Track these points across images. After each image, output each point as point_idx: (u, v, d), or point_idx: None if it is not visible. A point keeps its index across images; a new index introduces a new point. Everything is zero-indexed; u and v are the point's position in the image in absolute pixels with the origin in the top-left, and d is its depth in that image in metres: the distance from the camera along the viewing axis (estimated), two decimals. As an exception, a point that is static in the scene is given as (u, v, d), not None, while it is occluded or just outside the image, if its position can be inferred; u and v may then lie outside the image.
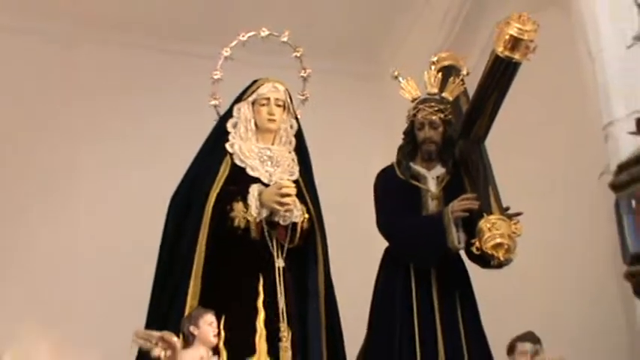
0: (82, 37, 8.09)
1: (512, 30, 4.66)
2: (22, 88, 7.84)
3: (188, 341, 4.15)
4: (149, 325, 4.59)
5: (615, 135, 5.12)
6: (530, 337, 4.50)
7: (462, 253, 5.07)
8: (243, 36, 5.09)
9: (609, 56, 5.22)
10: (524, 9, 6.89)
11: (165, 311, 4.62)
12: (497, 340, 4.96)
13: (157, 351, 3.98)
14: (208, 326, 4.17)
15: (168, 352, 3.99)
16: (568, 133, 6.45)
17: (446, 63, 5.43)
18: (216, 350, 4.23)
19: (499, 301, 5.40)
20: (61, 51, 8.02)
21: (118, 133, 8.04)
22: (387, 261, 5.15)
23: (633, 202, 3.95)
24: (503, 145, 5.27)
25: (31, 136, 7.83)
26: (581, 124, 6.04)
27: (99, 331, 7.12)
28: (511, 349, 4.52)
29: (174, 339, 4.01)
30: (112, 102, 8.11)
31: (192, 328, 4.16)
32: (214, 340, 4.16)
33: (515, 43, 4.67)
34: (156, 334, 4.03)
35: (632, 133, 4.20)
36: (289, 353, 4.55)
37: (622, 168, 4.00)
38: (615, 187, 4.02)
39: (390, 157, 6.88)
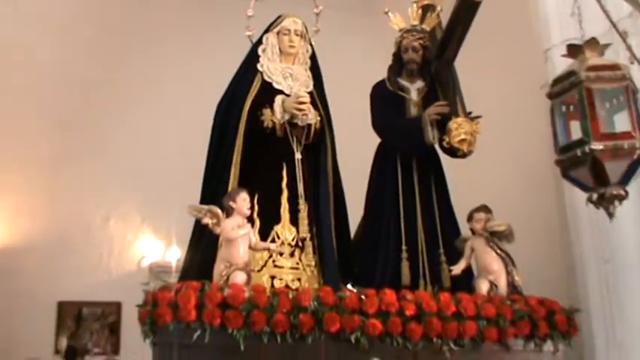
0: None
1: None
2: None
3: (228, 213, 4.26)
4: (203, 198, 4.81)
5: (552, 57, 5.38)
6: (484, 208, 4.66)
7: (437, 147, 5.20)
8: (266, -22, 5.11)
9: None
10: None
11: (214, 189, 4.76)
12: (460, 212, 5.15)
13: (206, 219, 4.23)
14: (243, 201, 4.30)
15: (214, 220, 4.22)
16: (516, 56, 6.51)
17: (425, 2, 5.44)
18: (250, 219, 4.39)
19: (462, 183, 5.48)
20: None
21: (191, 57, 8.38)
22: (379, 153, 5.33)
23: (563, 108, 4.23)
24: (466, 66, 5.33)
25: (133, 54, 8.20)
26: (525, 49, 6.17)
27: (183, 203, 7.51)
28: (470, 218, 4.69)
29: (218, 210, 4.24)
30: (182, 36, 8.32)
31: (231, 203, 4.29)
32: (247, 212, 4.32)
33: None
34: (205, 207, 4.27)
35: (564, 55, 4.34)
36: (306, 221, 4.75)
37: (556, 82, 4.27)
38: (551, 95, 4.29)
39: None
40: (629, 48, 4.70)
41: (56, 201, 7.88)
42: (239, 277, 4.08)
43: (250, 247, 4.30)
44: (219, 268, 4.20)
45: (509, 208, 4.96)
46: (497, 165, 5.69)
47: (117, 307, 7.91)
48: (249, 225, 4.30)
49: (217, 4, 8.38)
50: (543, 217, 5.72)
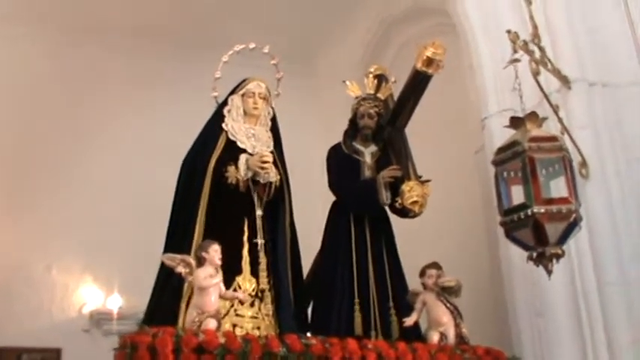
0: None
1: (429, 52, 5.21)
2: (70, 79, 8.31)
3: (200, 263, 4.47)
4: (168, 249, 4.98)
5: (489, 126, 5.77)
6: (435, 265, 5.01)
7: (387, 208, 5.57)
8: (237, 47, 5.51)
9: (486, 70, 5.84)
10: (420, 35, 7.56)
11: (180, 241, 4.97)
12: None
13: (180, 268, 4.46)
14: (214, 252, 4.50)
15: (187, 270, 4.45)
16: (453, 123, 7.04)
17: (378, 72, 5.86)
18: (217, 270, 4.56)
19: (408, 241, 5.84)
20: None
21: (147, 115, 8.71)
22: (334, 211, 5.66)
23: (505, 174, 4.61)
24: (409, 130, 5.71)
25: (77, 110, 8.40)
26: (462, 117, 6.69)
27: (125, 251, 7.71)
28: (422, 274, 5.02)
29: (191, 260, 4.47)
30: (140, 93, 8.64)
31: (203, 253, 4.49)
32: (219, 262, 4.52)
33: (430, 61, 5.23)
34: (178, 256, 4.50)
35: (506, 126, 4.73)
36: (265, 273, 5.01)
37: (501, 150, 4.65)
38: (495, 163, 4.68)
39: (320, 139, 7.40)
40: (560, 120, 5.18)
41: (-1, 248, 7.95)
42: (211, 324, 4.32)
43: (220, 296, 4.53)
44: (191, 315, 4.43)
45: (447, 263, 5.26)
46: (435, 223, 6.05)
47: (57, 353, 7.90)
48: (220, 274, 4.53)
49: (172, 63, 8.74)
50: (478, 273, 6.09)
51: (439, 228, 6.66)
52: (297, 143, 5.90)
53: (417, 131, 5.79)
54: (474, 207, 6.42)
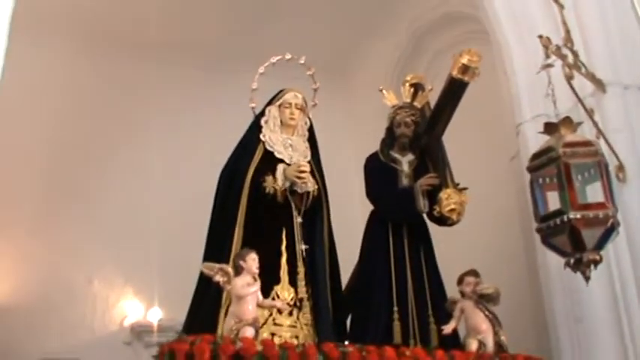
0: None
1: (464, 59, 5.22)
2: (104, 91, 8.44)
3: (238, 271, 4.54)
4: (207, 258, 5.05)
5: (523, 132, 5.77)
6: (473, 272, 5.03)
7: (425, 216, 5.61)
8: (273, 59, 5.59)
9: (520, 76, 5.83)
10: (453, 43, 7.57)
11: (219, 251, 5.07)
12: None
13: (218, 277, 4.51)
14: (252, 261, 4.57)
15: (225, 278, 4.51)
16: (488, 130, 7.08)
17: (414, 81, 5.90)
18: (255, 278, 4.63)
19: (445, 249, 5.84)
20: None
21: (185, 126, 8.83)
22: (372, 221, 5.68)
23: (540, 180, 4.64)
24: (445, 139, 5.76)
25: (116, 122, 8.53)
26: (496, 123, 6.70)
27: (165, 263, 7.77)
28: (460, 281, 5.03)
29: (229, 269, 4.53)
30: (178, 105, 8.78)
31: (241, 262, 4.56)
32: (256, 271, 4.57)
33: (466, 69, 5.24)
34: (217, 265, 4.56)
35: (541, 132, 4.76)
36: (303, 283, 5.07)
37: (535, 156, 4.67)
38: (530, 169, 4.70)
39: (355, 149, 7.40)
40: (595, 124, 5.19)
41: (40, 261, 8.03)
42: (249, 332, 4.38)
43: (258, 305, 4.60)
44: (229, 323, 4.50)
45: (484, 271, 5.27)
46: (472, 231, 6.07)
47: (99, 366, 8.04)
48: (258, 283, 4.59)
49: (208, 75, 8.88)
50: (515, 280, 6.10)
51: (476, 236, 6.65)
52: (331, 154, 5.96)
53: (452, 139, 5.84)
54: (510, 214, 6.44)
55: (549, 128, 4.71)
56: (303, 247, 5.18)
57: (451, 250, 5.96)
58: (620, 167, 5.19)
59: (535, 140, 5.47)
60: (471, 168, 5.97)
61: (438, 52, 8.05)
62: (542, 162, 4.62)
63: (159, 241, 7.94)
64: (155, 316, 8.21)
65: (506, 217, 6.55)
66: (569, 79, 5.00)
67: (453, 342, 5.06)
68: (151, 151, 8.60)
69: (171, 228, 8.14)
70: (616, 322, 5.10)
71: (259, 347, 4.24)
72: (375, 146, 5.92)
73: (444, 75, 5.86)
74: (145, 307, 8.41)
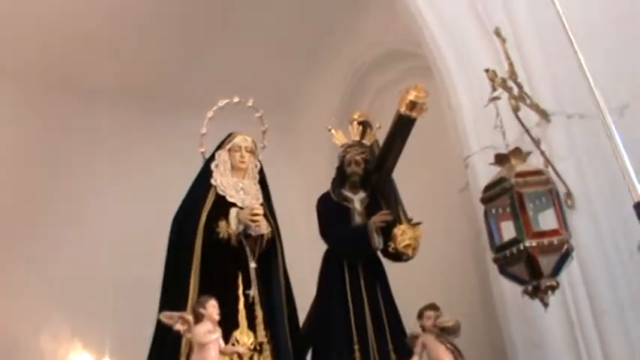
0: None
1: (411, 96, 5.31)
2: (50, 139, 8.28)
3: (198, 319, 4.52)
4: (162, 308, 4.99)
5: (472, 164, 5.76)
6: (433, 306, 5.04)
7: (379, 253, 5.62)
8: (221, 103, 5.58)
9: (465, 109, 5.82)
10: (396, 79, 7.64)
11: (175, 298, 5.00)
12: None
13: (178, 326, 4.50)
14: (213, 308, 4.57)
15: (185, 327, 4.50)
16: (435, 164, 7.06)
17: (362, 119, 5.94)
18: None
19: (398, 284, 5.82)
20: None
21: (134, 173, 8.64)
22: (327, 260, 5.69)
23: (494, 210, 4.66)
24: (397, 175, 5.84)
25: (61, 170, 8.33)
26: (443, 157, 6.67)
27: (115, 314, 7.62)
28: (420, 316, 5.04)
29: (189, 317, 4.51)
30: (126, 151, 8.64)
31: (201, 310, 4.54)
32: (217, 318, 4.57)
33: (413, 105, 5.33)
34: (177, 314, 4.54)
35: (492, 164, 4.77)
36: (262, 327, 5.02)
37: (488, 188, 4.69)
38: (484, 200, 4.71)
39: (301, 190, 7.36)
40: (542, 153, 5.23)
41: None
42: (213, 381, 4.35)
43: (220, 352, 4.56)
44: (192, 372, 4.45)
45: (438, 304, 5.28)
46: (424, 265, 6.06)
47: None
48: (219, 330, 4.57)
49: (156, 119, 8.78)
50: (470, 310, 6.09)
51: (429, 269, 6.61)
52: (277, 196, 5.89)
53: (401, 174, 5.86)
54: (462, 246, 6.47)
55: (500, 159, 4.74)
56: (253, 292, 5.12)
57: (406, 285, 5.93)
58: (569, 194, 5.24)
59: (484, 171, 5.48)
60: (421, 202, 5.97)
61: (381, 89, 8.09)
62: (495, 192, 4.64)
63: (109, 291, 7.77)
64: (106, 369, 8.01)
65: (459, 249, 6.58)
66: (515, 110, 5.06)
67: (416, 377, 5.06)
68: (99, 197, 8.42)
69: (121, 277, 7.95)
70: (573, 346, 5.11)
71: (224, 395, 4.23)
72: (321, 186, 5.93)
73: (387, 112, 5.93)
74: (95, 360, 8.20)
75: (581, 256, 5.13)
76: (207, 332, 4.50)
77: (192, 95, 7.79)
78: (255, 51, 8.36)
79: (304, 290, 5.74)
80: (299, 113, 9.24)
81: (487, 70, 5.03)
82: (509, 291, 5.30)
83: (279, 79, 8.64)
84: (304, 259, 6.16)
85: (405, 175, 5.94)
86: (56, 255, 8.27)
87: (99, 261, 8.09)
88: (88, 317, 7.91)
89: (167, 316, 4.57)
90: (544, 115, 5.44)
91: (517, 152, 4.73)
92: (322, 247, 5.90)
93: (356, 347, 5.30)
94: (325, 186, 5.97)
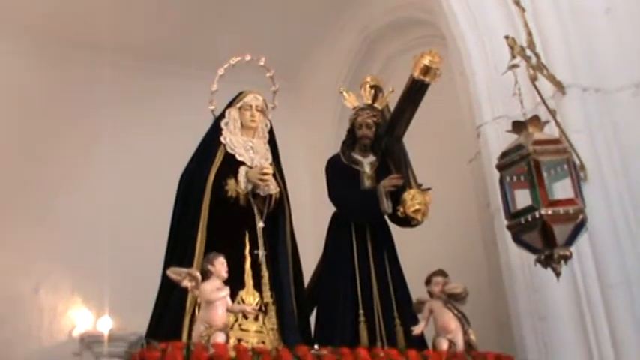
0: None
1: (426, 60, 5.16)
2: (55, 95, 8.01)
3: (206, 276, 4.29)
4: (168, 263, 4.71)
5: (484, 133, 5.59)
6: (441, 272, 4.87)
7: (387, 218, 5.46)
8: (232, 60, 5.33)
9: (479, 78, 5.64)
10: (407, 47, 7.46)
11: (181, 255, 4.80)
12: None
13: (185, 282, 4.24)
14: (221, 265, 4.34)
15: (193, 283, 4.24)
16: (444, 133, 6.95)
17: (374, 83, 5.74)
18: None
19: (405, 251, 5.69)
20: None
21: (137, 131, 8.48)
22: (335, 223, 5.53)
23: (508, 178, 4.47)
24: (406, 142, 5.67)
25: (64, 127, 8.14)
26: (453, 126, 6.56)
27: (115, 270, 7.41)
28: (428, 281, 4.86)
29: (197, 274, 4.27)
30: (128, 111, 8.41)
31: (209, 266, 4.31)
32: (225, 275, 4.35)
33: (427, 70, 5.17)
34: (184, 270, 4.29)
35: (508, 131, 4.57)
36: (268, 287, 4.85)
37: (504, 155, 4.49)
38: (500, 167, 4.51)
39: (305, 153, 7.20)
40: (558, 125, 5.07)
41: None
42: (220, 337, 4.12)
43: (227, 310, 4.33)
44: (199, 329, 4.22)
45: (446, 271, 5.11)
46: (431, 232, 5.91)
47: (48, 379, 7.64)
48: (227, 288, 4.34)
49: (160, 79, 8.56)
50: (476, 280, 5.94)
51: (435, 237, 6.49)
52: (282, 158, 5.66)
53: (409, 141, 5.69)
54: (469, 215, 6.32)
55: (517, 127, 4.54)
56: (261, 252, 4.94)
57: (411, 252, 5.76)
58: (581, 166, 5.07)
59: (496, 141, 5.40)
60: (429, 170, 5.79)
61: (390, 57, 7.94)
62: (512, 159, 4.45)
63: (109, 248, 7.57)
64: (105, 325, 7.85)
65: (466, 218, 6.43)
66: (533, 80, 4.90)
67: (419, 343, 4.91)
68: (101, 155, 8.23)
69: (121, 234, 7.79)
70: (579, 319, 4.97)
71: (232, 353, 4.02)
72: (325, 149, 5.77)
73: (396, 80, 5.82)
74: (94, 317, 8.03)
75: (591, 229, 4.94)
76: (215, 289, 4.27)
77: (200, 58, 7.57)
78: (265, 13, 8.14)
79: (306, 251, 5.54)
80: (306, 76, 9.12)
81: (507, 37, 4.86)
82: (516, 262, 5.22)
83: (288, 42, 8.47)
84: (306, 220, 5.98)
85: (413, 143, 5.76)
86: (56, 212, 8.14)
87: (99, 219, 7.93)
88: (88, 274, 7.80)
89: (175, 272, 4.32)
90: (560, 86, 5.28)
91: (535, 121, 4.54)
92: (324, 209, 5.75)
93: (361, 312, 5.15)
94: (329, 149, 5.85)
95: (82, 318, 8.05)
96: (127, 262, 7.59)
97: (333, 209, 5.64)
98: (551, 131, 5.00)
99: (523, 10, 5.20)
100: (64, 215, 8.05)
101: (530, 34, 5.12)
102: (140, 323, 6.64)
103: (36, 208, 7.98)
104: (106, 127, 8.25)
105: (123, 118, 8.39)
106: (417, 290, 5.28)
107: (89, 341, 7.88)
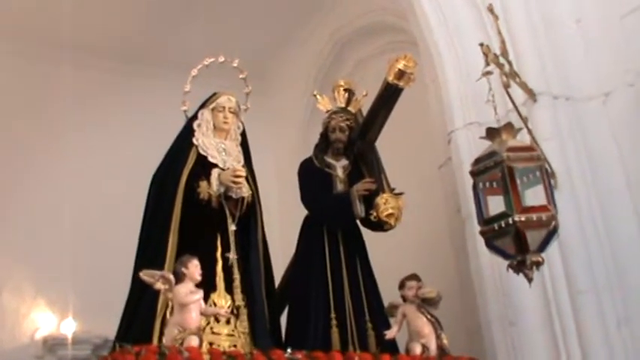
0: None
1: (400, 65, 5.14)
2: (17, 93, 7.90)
3: (179, 278, 4.24)
4: (139, 266, 4.68)
5: (455, 139, 5.60)
6: (415, 276, 4.86)
7: (358, 222, 5.43)
8: (206, 61, 5.28)
9: (451, 84, 5.66)
10: (377, 52, 7.45)
11: (152, 257, 4.71)
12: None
13: (159, 285, 4.20)
14: (194, 267, 4.29)
15: (166, 286, 4.20)
16: (414, 139, 6.93)
17: (347, 86, 5.71)
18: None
19: (375, 256, 5.64)
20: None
21: (102, 131, 8.34)
22: (307, 226, 5.48)
23: (481, 185, 4.49)
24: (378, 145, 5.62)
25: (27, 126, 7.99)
26: (423, 132, 6.55)
27: (78, 272, 7.28)
28: (401, 286, 4.85)
29: (171, 276, 4.22)
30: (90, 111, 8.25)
31: (183, 269, 4.26)
32: (199, 278, 4.30)
33: (401, 74, 5.16)
34: (158, 273, 4.25)
35: (482, 137, 4.59)
36: (239, 290, 4.79)
37: (479, 160, 4.51)
38: (474, 173, 4.53)
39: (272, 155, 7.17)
40: (529, 132, 5.06)
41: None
42: (194, 341, 4.06)
43: (200, 313, 4.27)
44: (172, 332, 4.16)
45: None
46: (401, 237, 5.88)
47: (9, 382, 7.47)
48: (201, 291, 4.29)
49: (125, 79, 8.44)
50: (446, 285, 5.88)
51: (405, 242, 6.47)
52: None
53: (378, 146, 5.66)
54: (438, 221, 6.28)
55: (491, 133, 4.55)
56: (232, 256, 4.88)
57: (380, 256, 5.72)
58: (552, 174, 5.08)
59: (467, 147, 5.43)
60: (399, 176, 5.75)
61: (360, 61, 7.93)
62: (486, 165, 4.47)
63: (73, 250, 7.43)
64: (69, 328, 7.69)
65: (435, 223, 6.39)
66: (506, 87, 4.91)
67: (391, 347, 4.86)
68: (66, 154, 8.07)
69: (86, 235, 7.65)
70: (549, 325, 4.99)
71: (206, 356, 3.98)
72: (293, 152, 5.70)
73: (365, 84, 5.85)
74: (58, 319, 7.85)
75: (561, 236, 4.94)
76: (189, 292, 4.21)
77: (167, 58, 7.48)
78: (237, 13, 8.08)
79: (273, 255, 5.41)
80: (274, 78, 9.02)
81: (482, 45, 4.88)
82: (486, 267, 5.21)
83: (257, 43, 8.39)
84: (273, 224, 5.93)
85: (382, 148, 5.73)
86: (19, 212, 7.96)
87: (63, 219, 7.74)
88: (52, 276, 7.66)
89: (148, 274, 4.26)
90: (531, 94, 5.31)
91: (509, 127, 4.58)
92: (291, 213, 5.69)
93: (333, 316, 5.11)
94: (297, 152, 5.76)
95: (45, 321, 7.88)
96: (92, 264, 7.49)
97: (300, 214, 5.61)
98: (522, 138, 5.04)
99: (496, 17, 5.21)
100: (27, 215, 7.89)
101: (503, 42, 5.13)
102: (104, 326, 6.56)
103: (-1, 206, 7.81)
104: (69, 126, 8.08)
105: (87, 117, 8.23)
106: (385, 294, 5.32)
107: (52, 344, 7.73)
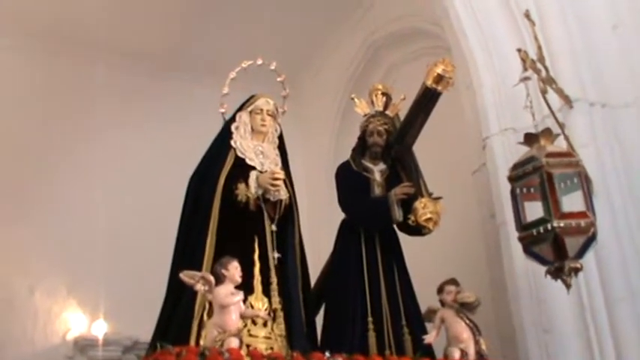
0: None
1: (439, 69, 5.12)
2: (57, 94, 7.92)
3: (218, 280, 4.22)
4: (175, 268, 4.69)
5: (490, 145, 5.58)
6: (453, 281, 4.85)
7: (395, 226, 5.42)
8: (244, 64, 5.30)
9: (487, 90, 5.64)
10: (410, 57, 7.43)
11: (190, 259, 4.73)
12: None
13: (199, 286, 4.18)
14: (235, 269, 4.28)
15: (206, 287, 4.19)
16: (448, 144, 6.90)
17: (385, 90, 5.70)
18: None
19: (410, 261, 5.63)
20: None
21: (137, 134, 8.39)
22: (344, 230, 5.47)
23: (518, 190, 4.47)
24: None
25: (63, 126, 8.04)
26: (457, 138, 6.51)
27: (111, 274, 7.34)
28: (440, 290, 4.83)
29: (211, 278, 4.20)
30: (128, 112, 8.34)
31: (223, 270, 4.25)
32: (239, 280, 4.28)
33: (440, 78, 5.13)
34: (198, 274, 4.25)
35: (520, 143, 4.59)
36: (276, 293, 4.78)
37: (517, 166, 4.49)
38: (512, 178, 4.51)
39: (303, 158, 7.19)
40: (566, 138, 5.03)
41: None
42: (234, 343, 4.06)
43: (240, 315, 4.26)
44: (212, 334, 4.16)
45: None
46: (436, 243, 5.88)
47: (40, 382, 7.51)
48: (241, 292, 4.28)
49: (159, 82, 8.49)
50: (479, 291, 5.87)
51: (438, 250, 6.48)
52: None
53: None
54: (472, 226, 6.24)
55: (529, 139, 4.55)
56: (276, 255, 4.89)
57: (413, 261, 5.70)
58: (589, 180, 5.07)
59: (502, 153, 5.41)
60: (433, 181, 5.74)
61: (393, 65, 7.92)
62: (524, 171, 4.45)
63: (105, 251, 7.49)
64: (100, 329, 7.74)
65: (469, 228, 6.36)
66: (543, 93, 4.90)
67: (428, 352, 4.87)
68: (100, 156, 8.12)
69: (118, 237, 7.70)
70: (584, 333, 4.94)
71: (247, 358, 4.00)
72: (323, 157, 5.69)
73: (399, 89, 5.81)
74: (89, 320, 7.90)
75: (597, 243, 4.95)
76: (229, 294, 4.21)
77: (201, 62, 7.51)
78: (270, 18, 8.12)
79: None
80: (306, 82, 9.02)
81: (519, 50, 4.87)
82: (521, 274, 5.18)
83: (289, 48, 8.33)
84: (303, 228, 5.91)
85: (416, 154, 5.70)
86: (53, 214, 8.00)
87: (96, 221, 7.78)
88: (84, 277, 7.70)
89: (188, 275, 4.25)
90: (567, 100, 5.27)
91: (547, 133, 4.57)
92: (320, 218, 5.67)
93: (370, 319, 5.10)
94: (326, 157, 5.77)
95: (77, 321, 7.93)
96: (124, 266, 7.52)
97: (329, 219, 5.62)
98: (558, 145, 5.02)
99: (533, 23, 5.19)
100: (61, 217, 7.94)
101: (540, 48, 5.10)
102: (135, 328, 6.60)
103: (32, 210, 7.87)
104: (106, 128, 8.16)
105: (124, 120, 8.30)
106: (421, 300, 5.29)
107: (83, 345, 7.78)
